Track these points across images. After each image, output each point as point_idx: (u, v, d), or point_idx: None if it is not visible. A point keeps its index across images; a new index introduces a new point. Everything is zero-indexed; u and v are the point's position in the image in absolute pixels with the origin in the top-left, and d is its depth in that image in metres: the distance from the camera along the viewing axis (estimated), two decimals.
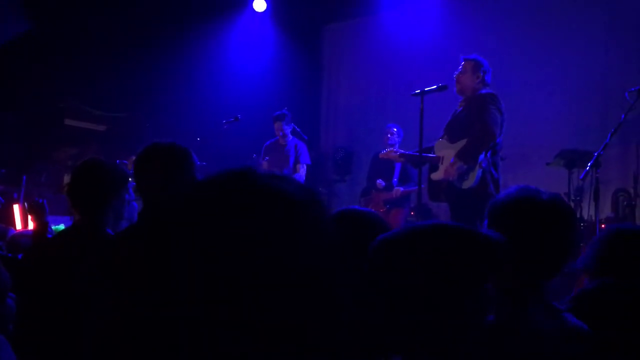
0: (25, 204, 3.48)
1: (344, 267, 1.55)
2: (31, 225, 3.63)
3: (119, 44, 7.29)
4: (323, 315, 0.61)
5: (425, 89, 4.33)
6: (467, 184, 4.23)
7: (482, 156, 4.23)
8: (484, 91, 4.40)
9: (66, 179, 7.59)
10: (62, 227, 4.04)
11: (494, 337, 1.32)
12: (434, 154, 4.57)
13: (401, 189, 6.17)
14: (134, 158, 5.78)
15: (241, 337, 0.56)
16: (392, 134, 6.26)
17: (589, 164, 4.20)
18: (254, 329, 0.56)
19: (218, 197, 0.61)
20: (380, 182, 6.29)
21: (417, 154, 4.39)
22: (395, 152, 5.02)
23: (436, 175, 4.48)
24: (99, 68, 7.29)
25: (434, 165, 4.54)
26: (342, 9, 8.49)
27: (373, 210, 1.85)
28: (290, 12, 8.43)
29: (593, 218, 4.77)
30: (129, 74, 7.33)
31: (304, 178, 6.07)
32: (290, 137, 6.25)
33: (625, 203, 5.99)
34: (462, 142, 4.34)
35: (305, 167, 6.13)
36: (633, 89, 4.27)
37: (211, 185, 0.63)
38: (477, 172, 4.21)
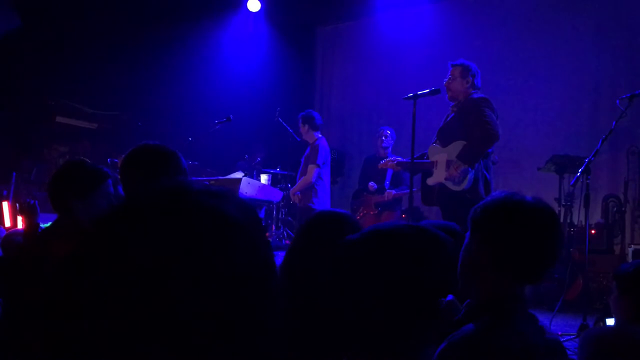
0: (17, 205, 3.45)
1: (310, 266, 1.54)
2: (21, 225, 3.60)
3: (111, 42, 7.26)
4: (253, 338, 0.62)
5: (418, 93, 4.33)
6: (462, 185, 4.25)
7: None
8: (475, 95, 4.41)
9: None
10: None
11: (474, 348, 1.31)
12: (427, 159, 4.58)
13: (393, 192, 6.18)
14: (113, 160, 5.73)
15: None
16: (385, 136, 6.27)
17: (579, 170, 4.21)
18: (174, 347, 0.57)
19: (144, 209, 0.61)
20: (372, 185, 6.29)
21: (412, 161, 4.38)
22: (393, 161, 5.02)
23: (431, 180, 4.49)
24: (91, 66, 7.25)
25: (428, 170, 4.55)
26: (336, 11, 8.50)
27: (349, 212, 1.86)
28: (284, 12, 8.42)
29: (583, 223, 4.79)
30: (121, 72, 7.30)
31: (314, 179, 5.71)
32: (314, 137, 5.92)
33: (615, 209, 6.03)
34: (454, 145, 4.35)
35: (314, 167, 5.73)
36: (624, 96, 4.28)
37: (142, 197, 0.63)
38: (469, 174, 4.23)
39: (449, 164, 4.35)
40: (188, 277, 0.57)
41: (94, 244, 0.60)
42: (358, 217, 6.35)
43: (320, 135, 5.94)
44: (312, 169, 5.73)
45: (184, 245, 0.58)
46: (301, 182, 5.80)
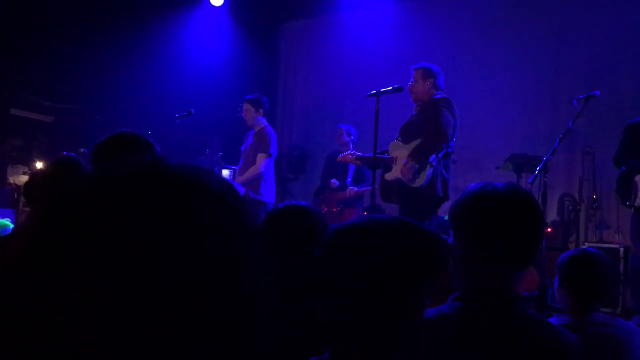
0: None
1: (280, 262, 1.53)
2: None
3: (70, 33, 7.07)
4: (241, 315, 0.55)
5: (381, 90, 4.38)
6: (418, 182, 4.34)
7: (433, 156, 4.34)
8: (437, 95, 4.53)
9: (10, 171, 7.32)
10: (7, 221, 3.87)
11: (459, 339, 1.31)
12: (388, 155, 4.65)
13: (355, 188, 6.20)
14: (82, 150, 5.56)
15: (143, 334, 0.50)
16: (341, 134, 6.32)
17: (537, 168, 4.30)
18: (158, 330, 0.50)
19: (122, 183, 0.54)
20: (334, 182, 6.30)
21: (372, 156, 4.45)
22: (353, 154, 5.08)
23: (389, 175, 4.57)
24: (49, 57, 7.05)
25: (388, 166, 4.61)
26: (300, 7, 8.48)
27: (316, 207, 1.85)
28: (247, 8, 8.36)
29: None
30: (80, 64, 7.11)
31: (263, 169, 5.52)
32: (258, 124, 5.71)
33: (570, 208, 6.18)
34: (415, 143, 4.42)
35: (263, 156, 5.56)
36: (581, 97, 4.39)
37: (113, 169, 0.56)
38: (427, 171, 4.32)
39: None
40: (173, 258, 0.51)
41: (57, 227, 0.51)
42: None
43: (267, 123, 5.74)
44: (262, 158, 5.49)
45: (167, 218, 0.52)
46: (249, 172, 5.49)
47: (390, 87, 4.41)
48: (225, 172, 6.96)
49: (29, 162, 7.30)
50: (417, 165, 4.31)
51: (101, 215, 0.51)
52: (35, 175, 2.34)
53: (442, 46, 7.18)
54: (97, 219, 0.51)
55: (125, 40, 7.25)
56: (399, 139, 4.64)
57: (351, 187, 6.22)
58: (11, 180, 7.12)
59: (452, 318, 1.38)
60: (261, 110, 5.69)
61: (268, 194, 5.56)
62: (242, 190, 6.24)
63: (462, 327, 1.37)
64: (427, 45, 7.17)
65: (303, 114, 8.99)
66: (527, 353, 1.35)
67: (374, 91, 4.41)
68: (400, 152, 4.52)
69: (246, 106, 5.70)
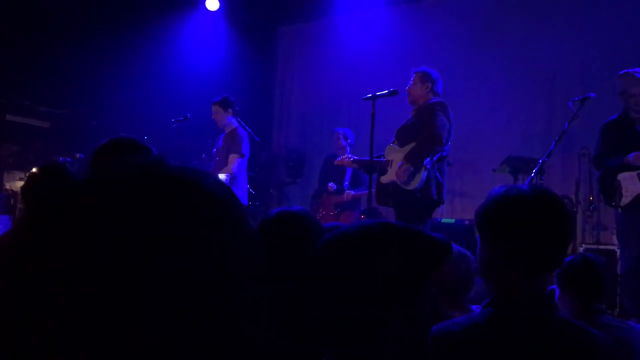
0: None
1: (274, 268, 1.52)
2: None
3: (65, 38, 7.07)
4: (239, 319, 0.54)
5: (377, 93, 4.39)
6: (412, 185, 4.36)
7: (427, 160, 4.36)
8: (434, 100, 4.56)
9: (6, 177, 7.30)
10: None
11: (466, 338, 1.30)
12: (384, 158, 4.67)
13: (352, 192, 6.20)
14: (78, 155, 5.54)
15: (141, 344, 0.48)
16: (338, 138, 6.33)
17: (533, 171, 4.30)
18: (156, 338, 0.49)
19: (118, 186, 0.53)
20: (331, 185, 6.31)
21: (369, 159, 4.47)
22: (349, 158, 5.13)
23: (385, 178, 4.59)
24: (44, 63, 7.04)
25: (384, 169, 4.62)
26: (296, 10, 8.48)
27: (310, 212, 1.84)
28: (243, 12, 8.36)
29: None
30: (76, 69, 7.11)
31: (236, 169, 5.55)
32: (229, 125, 5.73)
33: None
34: (411, 146, 4.45)
35: (236, 157, 5.57)
36: (576, 99, 4.40)
37: (109, 171, 0.55)
38: (422, 174, 4.34)
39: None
40: (169, 262, 0.50)
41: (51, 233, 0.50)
42: (318, 217, 6.35)
43: (237, 124, 5.72)
44: (234, 158, 5.49)
45: (163, 220, 0.51)
46: (221, 174, 5.45)
47: (386, 91, 4.43)
48: (222, 176, 6.95)
49: (25, 168, 7.28)
50: (412, 168, 4.34)
51: (94, 219, 0.50)
52: (31, 177, 2.33)
53: (437, 49, 7.18)
54: (89, 224, 0.50)
55: (121, 45, 7.25)
56: (395, 142, 4.67)
57: (348, 191, 6.23)
58: (8, 186, 7.10)
59: (485, 325, 1.38)
60: (230, 111, 5.66)
61: (241, 196, 5.53)
62: (244, 199, 6.26)
63: (496, 333, 1.36)
64: (422, 48, 7.18)
65: (300, 117, 9.00)
66: (564, 356, 1.34)
67: (370, 95, 4.42)
68: (396, 155, 4.54)
69: (215, 109, 5.67)
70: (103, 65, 7.20)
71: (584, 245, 5.67)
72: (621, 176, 4.07)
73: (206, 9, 8.13)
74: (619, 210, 4.15)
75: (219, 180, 0.60)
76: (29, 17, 6.85)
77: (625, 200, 4.07)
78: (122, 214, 0.51)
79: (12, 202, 6.57)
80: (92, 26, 7.15)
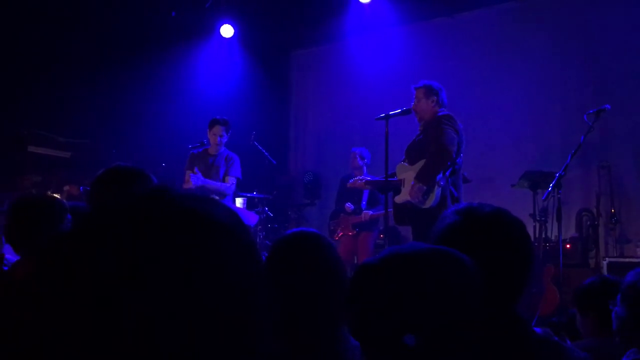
0: None
1: (287, 291, 1.52)
2: None
3: (83, 70, 7.22)
4: (244, 348, 0.54)
5: (390, 113, 4.39)
6: (428, 203, 4.27)
7: (440, 175, 4.27)
8: (440, 113, 4.47)
9: None
10: None
11: None
12: (396, 178, 4.61)
13: (370, 212, 6.18)
14: (96, 177, 5.61)
15: None
16: (355, 158, 6.33)
17: (550, 185, 4.27)
18: None
19: (128, 217, 0.53)
20: (349, 206, 6.30)
21: (382, 179, 4.42)
22: (362, 179, 5.07)
23: (399, 199, 4.51)
24: (63, 94, 7.19)
25: (397, 189, 4.57)
26: (309, 34, 8.57)
27: (322, 234, 1.84)
28: (257, 37, 8.47)
29: (557, 238, 4.84)
30: (94, 99, 7.25)
31: (233, 191, 5.74)
32: (224, 147, 5.80)
33: (588, 223, 6.10)
34: (421, 164, 4.38)
35: (235, 180, 5.70)
36: (591, 111, 4.37)
37: (114, 204, 0.55)
38: (436, 191, 4.26)
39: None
40: (175, 289, 0.50)
41: (59, 264, 0.51)
42: (336, 238, 6.34)
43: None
44: (233, 180, 5.69)
45: (167, 252, 0.51)
46: (220, 189, 5.55)
47: (399, 110, 4.41)
48: (239, 201, 6.99)
49: None
50: (424, 187, 4.25)
51: (103, 255, 0.50)
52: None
53: (450, 66, 7.20)
54: (98, 260, 0.50)
55: (137, 74, 7.38)
56: (405, 160, 4.61)
57: (366, 211, 6.21)
58: None
59: None
60: (228, 134, 5.78)
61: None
62: (253, 220, 6.29)
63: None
64: (435, 65, 7.20)
65: (315, 139, 9.04)
66: None
67: (383, 114, 4.42)
68: (407, 174, 4.47)
69: (223, 130, 5.71)
70: (120, 95, 7.33)
71: (607, 258, 5.57)
72: None
73: (221, 36, 8.25)
74: None
75: (228, 208, 0.60)
76: (49, 50, 7.01)
77: None
78: (128, 251, 0.50)
79: None
80: (108, 57, 7.30)
